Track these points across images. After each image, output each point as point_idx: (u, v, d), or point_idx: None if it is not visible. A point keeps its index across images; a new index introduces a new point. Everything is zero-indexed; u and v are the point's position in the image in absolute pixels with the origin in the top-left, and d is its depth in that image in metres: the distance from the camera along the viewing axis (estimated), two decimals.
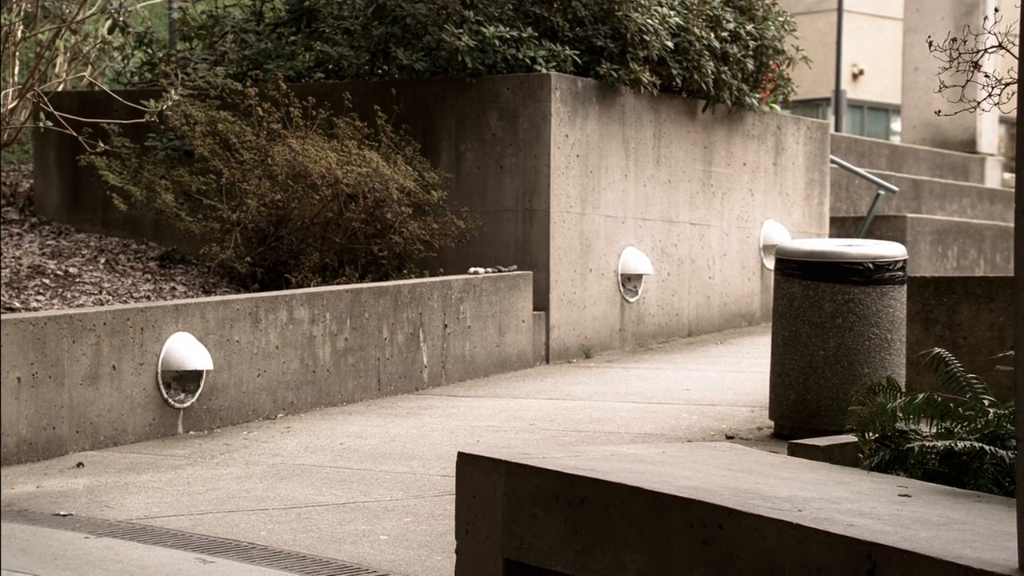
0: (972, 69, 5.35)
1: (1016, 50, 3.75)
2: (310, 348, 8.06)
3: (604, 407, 7.90)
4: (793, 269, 6.68)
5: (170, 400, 7.33)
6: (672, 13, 10.32)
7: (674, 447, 4.84)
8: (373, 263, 9.35)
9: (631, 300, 10.44)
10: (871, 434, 4.54)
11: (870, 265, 6.53)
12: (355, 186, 9.20)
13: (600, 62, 10.04)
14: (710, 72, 10.61)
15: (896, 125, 25.27)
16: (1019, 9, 3.49)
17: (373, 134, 9.68)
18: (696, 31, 10.43)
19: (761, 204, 11.74)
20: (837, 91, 23.84)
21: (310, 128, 9.54)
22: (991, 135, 19.15)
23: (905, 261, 6.75)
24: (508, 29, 9.79)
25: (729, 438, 6.94)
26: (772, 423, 6.95)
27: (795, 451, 5.14)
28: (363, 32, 10.21)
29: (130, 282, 9.03)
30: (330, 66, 10.33)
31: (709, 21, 10.66)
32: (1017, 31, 3.49)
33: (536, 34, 9.89)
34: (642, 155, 10.52)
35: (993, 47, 5.19)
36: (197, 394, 7.45)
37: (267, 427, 7.54)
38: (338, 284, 8.85)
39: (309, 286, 8.85)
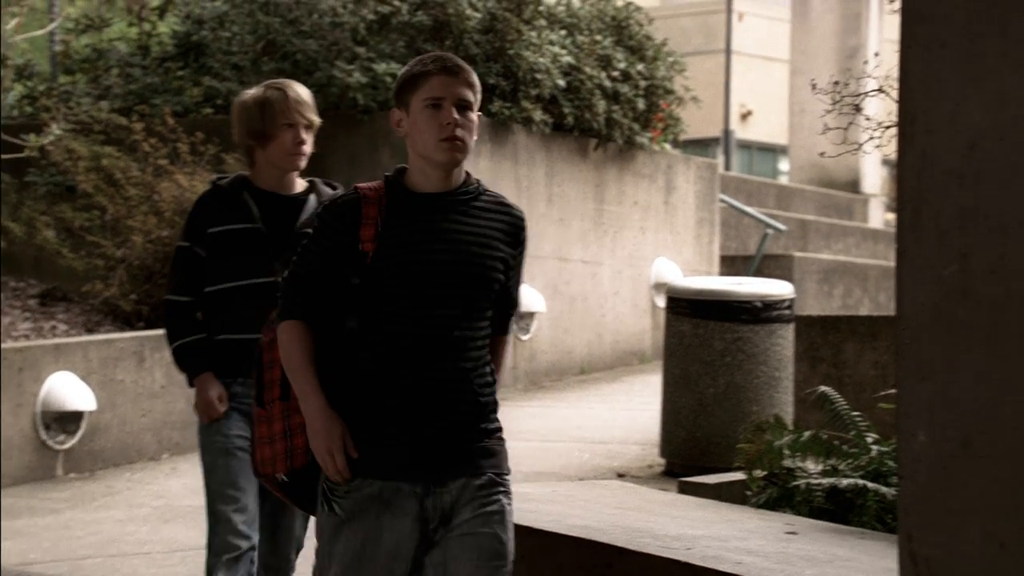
0: (854, 112, 5.46)
1: (896, 94, 3.84)
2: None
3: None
4: (683, 307, 6.73)
5: (49, 442, 7.12)
6: (564, 52, 10.39)
7: (565, 486, 4.82)
8: None
9: (524, 338, 10.44)
10: (759, 472, 4.57)
11: (759, 304, 6.60)
12: None
13: (492, 100, 10.07)
14: (601, 111, 10.70)
15: (784, 165, 25.78)
16: (899, 54, 3.57)
17: None
18: (587, 70, 10.52)
19: (652, 242, 11.84)
20: (726, 131, 24.24)
21: (199, 164, 9.40)
22: (875, 176, 19.60)
23: (793, 300, 6.83)
24: (400, 66, 9.77)
25: (620, 476, 6.95)
26: (663, 461, 6.97)
27: (685, 489, 5.16)
28: (253, 67, 10.11)
29: (8, 321, 8.78)
30: (219, 101, 10.21)
31: (600, 61, 10.76)
32: (896, 75, 3.56)
33: None
34: (534, 193, 10.55)
35: (874, 91, 5.30)
36: (78, 435, 7.24)
37: (152, 468, 7.36)
38: None
39: None
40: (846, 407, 4.69)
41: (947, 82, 3.42)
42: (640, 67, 11.14)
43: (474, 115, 2.80)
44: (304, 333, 2.75)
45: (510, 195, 10.28)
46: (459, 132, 2.75)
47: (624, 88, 10.94)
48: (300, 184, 3.78)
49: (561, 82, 10.29)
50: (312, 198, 3.75)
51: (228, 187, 3.73)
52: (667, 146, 12.21)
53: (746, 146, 28.15)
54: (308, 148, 3.72)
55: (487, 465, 2.73)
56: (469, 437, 2.72)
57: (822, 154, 6.35)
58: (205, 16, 10.66)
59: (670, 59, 11.57)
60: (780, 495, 4.29)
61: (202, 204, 3.75)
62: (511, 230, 2.85)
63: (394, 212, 2.75)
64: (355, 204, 2.75)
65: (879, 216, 19.45)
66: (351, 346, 2.74)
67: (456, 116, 2.75)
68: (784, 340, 6.70)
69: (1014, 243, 3.30)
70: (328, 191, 3.76)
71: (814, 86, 5.60)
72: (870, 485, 4.01)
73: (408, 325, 2.71)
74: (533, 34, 10.19)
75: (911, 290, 3.41)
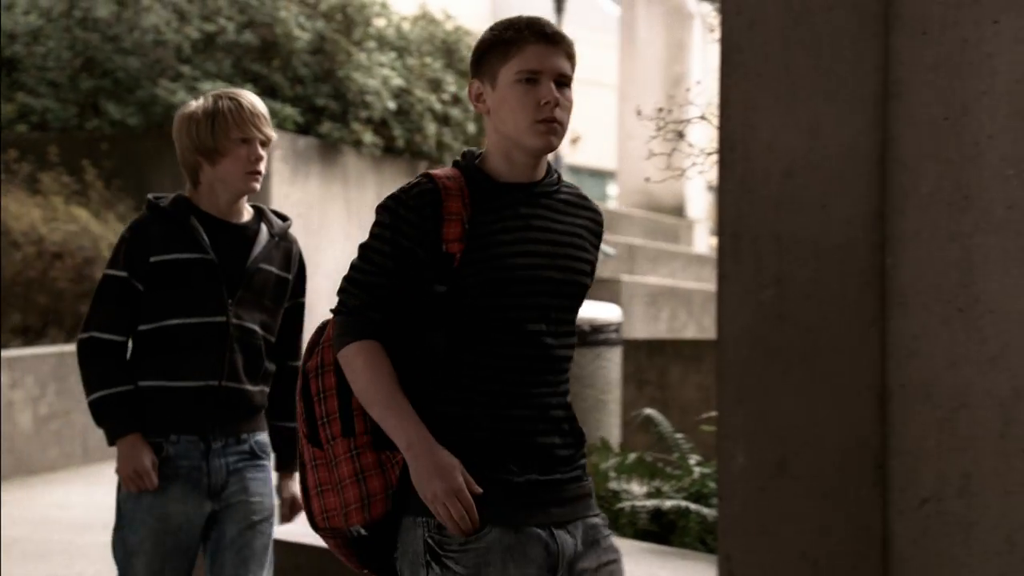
0: (677, 138, 5.56)
1: (717, 121, 3.92)
2: (9, 414, 7.59)
3: None
4: None
5: None
6: (394, 74, 10.38)
7: None
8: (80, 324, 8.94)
9: None
10: None
11: (586, 327, 6.65)
12: (61, 244, 8.79)
13: (321, 121, 9.98)
14: (432, 134, 10.71)
15: (612, 190, 26.19)
16: (719, 82, 3.64)
17: (82, 190, 9.29)
18: (418, 93, 10.53)
19: None
20: (556, 156, 24.52)
21: (11, 183, 9.07)
22: (700, 201, 20.05)
23: (620, 324, 6.92)
24: (227, 85, 9.61)
25: None
26: None
27: None
28: (70, 85, 9.83)
29: None
30: (34, 118, 9.89)
31: (431, 84, 10.78)
32: (718, 103, 3.63)
33: (255, 92, 9.75)
34: (365, 216, 10.49)
35: (696, 118, 5.40)
36: None
37: None
38: (42, 347, 8.40)
39: (9, 348, 8.36)
40: (670, 429, 4.75)
41: (764, 110, 3.50)
42: None
43: (571, 93, 2.35)
44: (383, 355, 2.25)
45: (340, 218, 10.23)
46: (557, 113, 2.30)
47: (455, 111, 10.98)
48: (247, 211, 3.18)
49: (391, 104, 10.27)
50: (263, 229, 3.16)
51: (172, 209, 3.09)
52: None
53: (576, 170, 28.53)
54: (264, 167, 3.13)
55: (594, 503, 2.36)
56: (580, 471, 2.32)
57: (647, 179, 6.45)
58: (18, 31, 10.31)
59: None
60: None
61: (141, 228, 3.08)
62: (596, 228, 2.43)
63: (480, 206, 2.28)
64: (435, 196, 2.26)
65: (704, 241, 19.90)
66: (437, 368, 2.26)
67: (555, 94, 2.30)
68: (611, 363, 6.77)
69: (827, 268, 3.39)
70: (279, 222, 3.19)
71: (639, 112, 5.68)
72: (692, 506, 4.07)
73: (507, 342, 2.25)
74: (363, 56, 10.15)
75: (730, 314, 3.47)
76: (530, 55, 2.30)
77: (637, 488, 4.50)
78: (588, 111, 27.28)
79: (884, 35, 3.36)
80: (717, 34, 3.69)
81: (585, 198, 2.43)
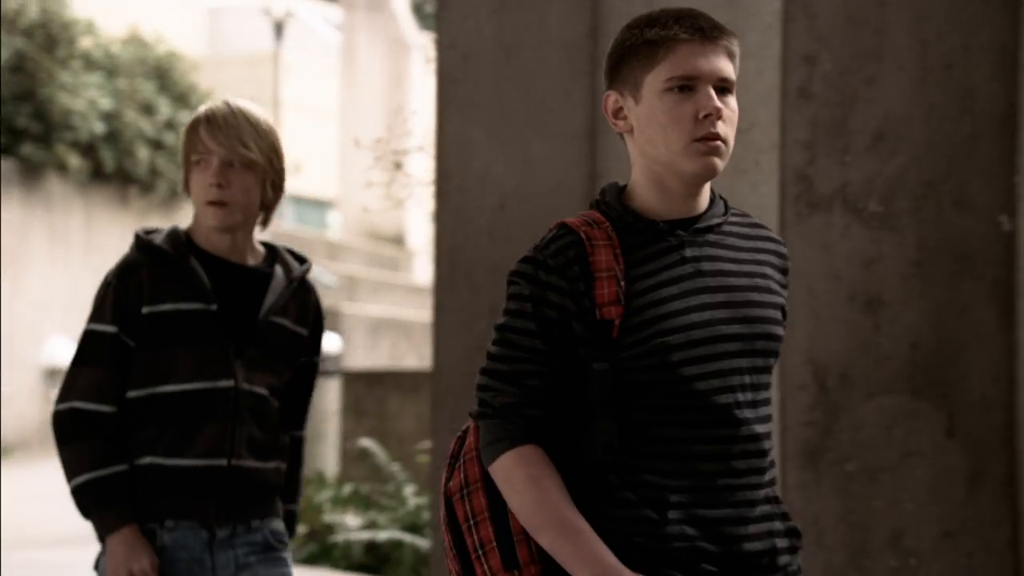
0: (396, 168, 5.58)
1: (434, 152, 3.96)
2: None
3: (21, 508, 7.36)
4: None
5: None
6: (102, 96, 10.05)
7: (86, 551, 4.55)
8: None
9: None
10: (300, 528, 4.52)
11: None
12: None
13: (22, 143, 9.55)
14: (144, 159, 10.42)
15: (334, 218, 26.07)
16: (435, 114, 3.66)
17: None
18: (128, 117, 10.24)
19: None
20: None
21: None
22: (420, 231, 20.20)
23: (339, 355, 6.87)
24: None
25: None
26: None
27: None
28: None
29: None
30: None
31: (142, 107, 10.50)
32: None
33: None
34: (72, 242, 10.08)
35: (415, 148, 5.44)
36: None
37: None
38: None
39: None
40: (386, 460, 4.73)
41: (478, 143, 3.55)
42: (186, 115, 10.93)
43: (735, 101, 1.87)
44: (547, 463, 1.80)
45: (43, 246, 9.79)
46: (720, 127, 1.82)
47: (169, 136, 10.71)
48: (257, 251, 2.57)
49: (99, 127, 9.93)
50: (279, 271, 2.56)
51: (169, 248, 2.51)
52: None
53: (297, 199, 28.28)
54: (237, 195, 2.48)
55: None
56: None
57: (364, 209, 6.43)
58: None
59: None
60: (320, 551, 4.26)
61: (131, 271, 2.51)
62: (781, 264, 1.93)
63: (634, 255, 1.83)
64: (579, 250, 1.81)
65: (425, 271, 20.05)
66: (609, 465, 1.82)
67: (717, 103, 1.82)
68: (329, 394, 6.73)
69: None
70: (298, 266, 2.58)
71: (358, 142, 5.67)
72: (407, 538, 4.06)
73: (693, 423, 1.82)
74: (68, 76, 9.77)
75: (446, 344, 3.50)
76: (683, 56, 1.83)
77: (352, 520, 4.46)
78: (310, 139, 27.12)
79: (592, 72, 3.47)
80: (435, 65, 3.73)
81: (762, 227, 1.94)
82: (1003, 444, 2.39)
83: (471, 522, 1.84)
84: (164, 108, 10.75)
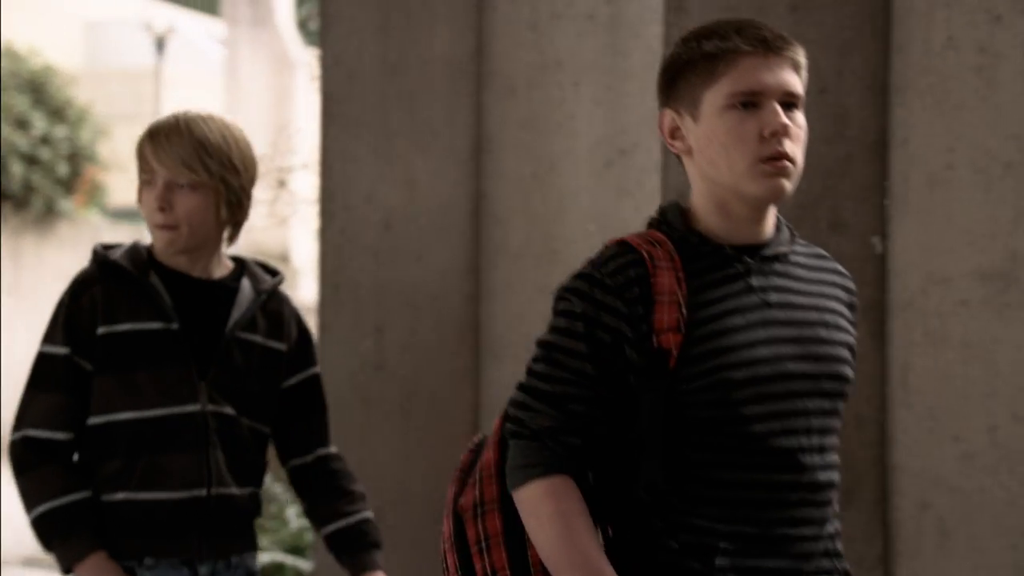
0: (280, 186, 5.55)
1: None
2: None
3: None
4: None
5: None
6: None
7: None
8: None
9: None
10: None
11: None
12: None
13: None
14: (18, 175, 10.21)
15: None
16: (320, 132, 3.64)
17: None
18: (2, 132, 10.02)
19: None
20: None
21: None
22: (305, 250, 20.04)
23: None
24: None
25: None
26: None
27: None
28: None
29: None
30: None
31: (16, 122, 10.29)
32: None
33: None
34: None
35: (299, 166, 5.41)
36: None
37: None
38: None
39: None
40: (268, 480, 4.68)
41: (363, 162, 3.54)
42: (62, 131, 10.74)
43: (802, 117, 1.73)
44: (579, 499, 1.65)
45: None
46: (787, 146, 1.69)
47: (44, 152, 10.51)
48: (224, 264, 2.44)
49: None
50: (246, 285, 2.42)
51: (127, 263, 2.36)
52: (97, 213, 11.82)
53: None
54: (182, 218, 2.32)
55: None
56: None
57: (250, 227, 6.36)
58: None
59: (95, 124, 11.27)
60: None
61: (83, 289, 2.37)
62: (849, 299, 1.79)
63: (698, 281, 1.69)
64: (641, 271, 1.67)
65: (310, 290, 19.87)
66: (654, 508, 1.67)
67: (783, 120, 1.69)
68: None
69: (424, 319, 3.46)
70: (267, 278, 2.45)
71: None
72: (289, 560, 4.01)
73: (752, 466, 1.66)
74: None
75: (331, 363, 3.47)
76: (746, 71, 1.69)
77: None
78: None
79: (476, 92, 3.48)
80: (319, 83, 3.71)
81: (827, 258, 1.80)
82: (875, 462, 2.45)
83: (482, 544, 1.70)
84: (39, 123, 10.54)
